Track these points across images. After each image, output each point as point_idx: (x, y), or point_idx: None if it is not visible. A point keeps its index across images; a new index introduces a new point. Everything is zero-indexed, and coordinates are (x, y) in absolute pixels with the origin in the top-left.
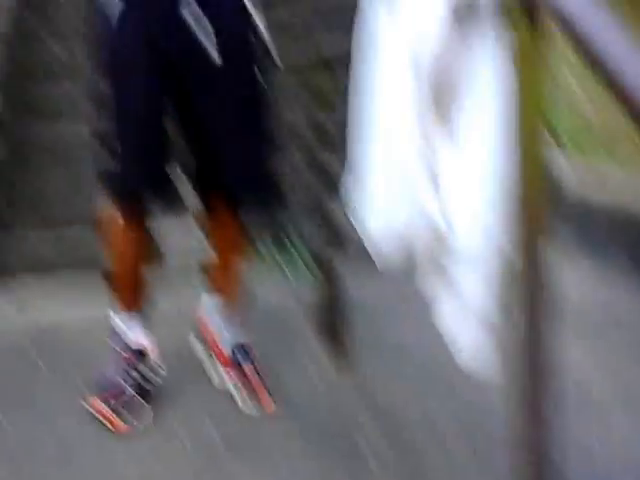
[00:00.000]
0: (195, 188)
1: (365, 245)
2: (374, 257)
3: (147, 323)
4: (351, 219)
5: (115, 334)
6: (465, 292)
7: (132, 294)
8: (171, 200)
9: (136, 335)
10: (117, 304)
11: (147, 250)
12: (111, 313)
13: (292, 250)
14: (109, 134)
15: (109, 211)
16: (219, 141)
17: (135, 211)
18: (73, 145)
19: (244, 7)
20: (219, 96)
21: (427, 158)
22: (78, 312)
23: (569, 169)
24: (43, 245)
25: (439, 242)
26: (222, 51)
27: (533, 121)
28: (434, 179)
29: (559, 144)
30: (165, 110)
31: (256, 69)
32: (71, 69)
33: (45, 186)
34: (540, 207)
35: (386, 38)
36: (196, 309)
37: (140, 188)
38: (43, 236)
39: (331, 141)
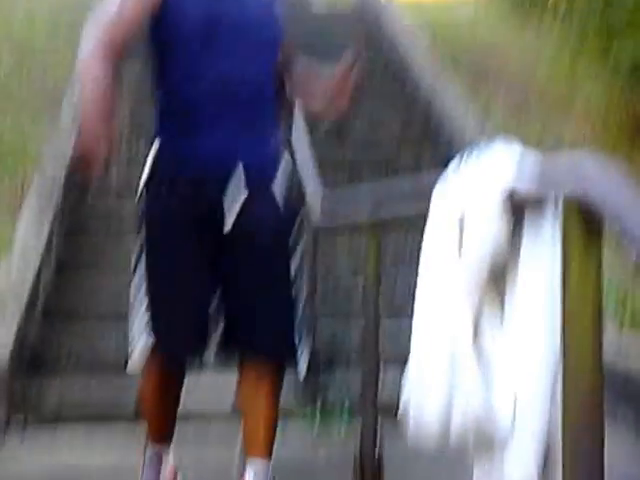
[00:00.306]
0: (225, 345)
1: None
2: (410, 436)
3: (174, 457)
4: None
5: (145, 465)
6: (508, 477)
7: (161, 431)
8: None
9: (162, 469)
10: (148, 437)
11: (179, 396)
12: (143, 444)
13: (330, 405)
14: (154, 302)
15: (150, 366)
16: (242, 302)
17: (175, 370)
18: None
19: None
20: (245, 260)
21: (473, 340)
22: (103, 459)
23: (612, 339)
24: (86, 392)
25: (482, 426)
26: (250, 220)
27: (586, 312)
28: (480, 362)
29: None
30: (208, 278)
31: (285, 238)
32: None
33: (95, 336)
34: (593, 393)
35: (439, 214)
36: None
37: (183, 355)
38: (87, 383)
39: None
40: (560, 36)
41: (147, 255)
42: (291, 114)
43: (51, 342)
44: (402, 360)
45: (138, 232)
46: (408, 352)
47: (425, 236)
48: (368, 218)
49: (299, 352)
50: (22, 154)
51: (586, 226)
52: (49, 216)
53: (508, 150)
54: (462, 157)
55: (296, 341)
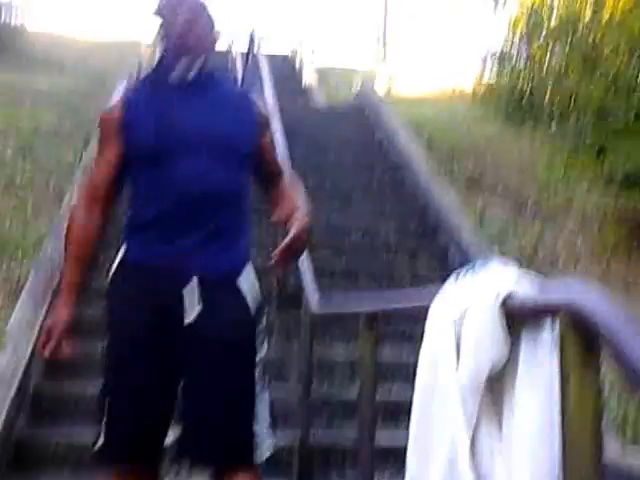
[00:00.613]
0: (181, 452)
1: None
2: None
3: None
4: None
5: None
6: None
7: None
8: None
9: None
10: None
11: None
12: None
13: None
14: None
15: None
16: (199, 408)
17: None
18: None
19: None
20: (203, 367)
21: (471, 454)
22: None
23: (617, 449)
24: None
25: None
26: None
27: (585, 426)
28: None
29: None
30: (166, 384)
31: (252, 336)
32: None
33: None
34: None
35: (437, 325)
36: None
37: (133, 462)
38: None
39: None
40: (555, 141)
41: (107, 355)
42: None
43: (35, 439)
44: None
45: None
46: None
47: (422, 346)
48: (364, 327)
49: (259, 444)
50: (22, 240)
51: (584, 343)
52: (44, 308)
53: (505, 269)
54: (459, 274)
55: (257, 434)
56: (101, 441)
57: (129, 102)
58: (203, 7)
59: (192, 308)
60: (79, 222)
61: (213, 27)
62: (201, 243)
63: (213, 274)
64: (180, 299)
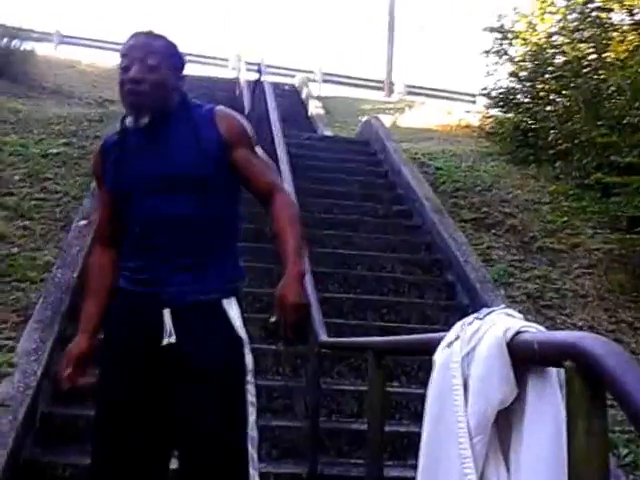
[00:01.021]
0: None
1: None
2: None
3: None
4: None
5: None
6: None
7: None
8: None
9: None
10: None
11: None
12: None
13: None
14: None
15: None
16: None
17: None
18: None
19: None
20: (192, 395)
21: None
22: None
23: None
24: None
25: None
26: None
27: (592, 468)
28: None
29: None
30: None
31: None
32: None
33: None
34: None
35: (444, 368)
36: None
37: None
38: None
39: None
40: (560, 180)
41: (98, 381)
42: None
43: (44, 465)
44: None
45: None
46: None
47: (430, 383)
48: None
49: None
50: (30, 266)
51: (590, 388)
52: (52, 334)
53: (511, 318)
54: (466, 321)
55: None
56: (90, 464)
57: (105, 147)
58: (163, 49)
59: (166, 337)
60: (93, 258)
61: (181, 65)
62: (171, 273)
63: (187, 302)
64: (157, 329)
